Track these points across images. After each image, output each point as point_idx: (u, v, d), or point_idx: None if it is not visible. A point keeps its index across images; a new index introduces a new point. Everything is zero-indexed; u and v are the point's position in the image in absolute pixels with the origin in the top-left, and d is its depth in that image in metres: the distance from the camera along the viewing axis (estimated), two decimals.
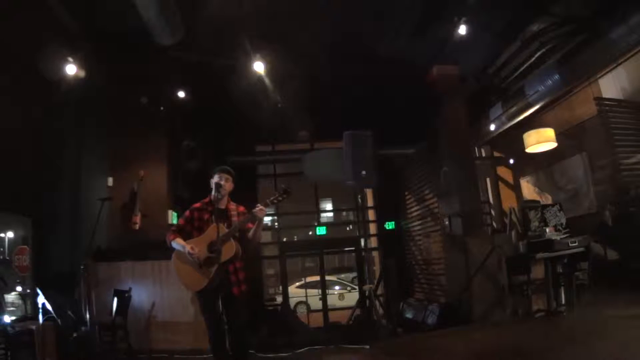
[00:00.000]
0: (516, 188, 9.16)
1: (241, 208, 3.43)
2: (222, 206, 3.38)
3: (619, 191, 6.30)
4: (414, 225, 8.51)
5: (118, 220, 6.24)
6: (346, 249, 10.61)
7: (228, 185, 3.41)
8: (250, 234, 3.33)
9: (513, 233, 5.73)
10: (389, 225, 9.08)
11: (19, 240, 4.43)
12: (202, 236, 3.27)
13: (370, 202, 9.69)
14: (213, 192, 3.34)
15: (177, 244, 3.26)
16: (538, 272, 5.18)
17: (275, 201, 3.28)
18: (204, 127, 7.57)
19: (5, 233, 4.26)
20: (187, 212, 3.42)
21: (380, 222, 9.19)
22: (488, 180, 9.44)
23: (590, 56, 5.50)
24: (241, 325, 3.27)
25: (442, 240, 7.02)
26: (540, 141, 6.77)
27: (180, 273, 3.28)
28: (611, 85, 6.67)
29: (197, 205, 3.43)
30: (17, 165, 4.38)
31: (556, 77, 6.01)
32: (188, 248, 3.15)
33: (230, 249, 3.15)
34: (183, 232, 3.34)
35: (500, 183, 9.42)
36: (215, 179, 3.36)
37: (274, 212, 9.77)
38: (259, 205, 3.25)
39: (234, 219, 3.33)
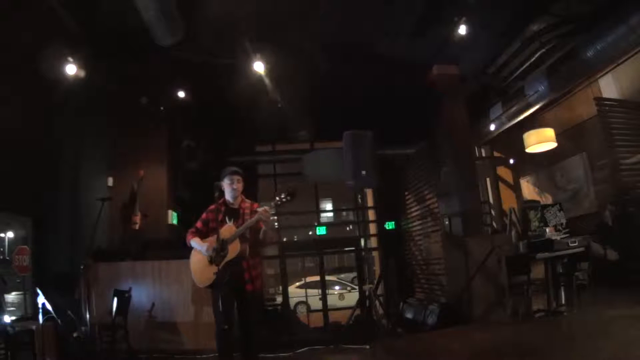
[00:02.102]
0: (516, 188, 9.16)
1: (255, 205, 3.53)
2: (236, 205, 3.52)
3: (619, 191, 6.30)
4: (414, 225, 8.49)
5: (118, 220, 6.25)
6: (346, 249, 10.58)
7: (240, 186, 3.56)
8: (261, 234, 3.44)
9: (513, 233, 5.72)
10: (389, 225, 9.06)
11: (19, 240, 4.44)
12: (214, 236, 3.38)
13: (370, 202, 9.67)
14: (227, 195, 3.51)
15: (195, 242, 3.46)
16: (538, 272, 5.17)
17: (279, 202, 3.39)
18: (204, 127, 7.56)
19: (5, 233, 4.27)
20: (203, 215, 3.60)
21: (380, 222, 9.16)
22: (488, 180, 9.43)
23: (588, 57, 5.49)
24: (251, 321, 3.39)
25: (442, 240, 7.01)
26: (540, 141, 6.77)
27: (192, 269, 3.46)
28: (611, 85, 6.67)
29: (212, 207, 3.56)
30: (17, 165, 4.38)
31: (555, 77, 6.01)
32: (206, 245, 3.33)
33: (235, 248, 3.22)
34: (200, 233, 3.53)
35: (500, 183, 9.42)
36: (226, 181, 3.50)
37: (274, 212, 9.74)
38: (264, 207, 3.39)
39: (247, 217, 3.44)
